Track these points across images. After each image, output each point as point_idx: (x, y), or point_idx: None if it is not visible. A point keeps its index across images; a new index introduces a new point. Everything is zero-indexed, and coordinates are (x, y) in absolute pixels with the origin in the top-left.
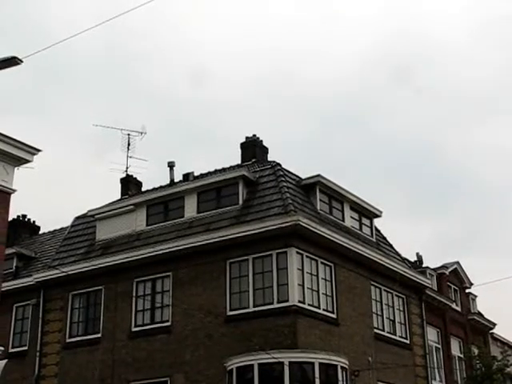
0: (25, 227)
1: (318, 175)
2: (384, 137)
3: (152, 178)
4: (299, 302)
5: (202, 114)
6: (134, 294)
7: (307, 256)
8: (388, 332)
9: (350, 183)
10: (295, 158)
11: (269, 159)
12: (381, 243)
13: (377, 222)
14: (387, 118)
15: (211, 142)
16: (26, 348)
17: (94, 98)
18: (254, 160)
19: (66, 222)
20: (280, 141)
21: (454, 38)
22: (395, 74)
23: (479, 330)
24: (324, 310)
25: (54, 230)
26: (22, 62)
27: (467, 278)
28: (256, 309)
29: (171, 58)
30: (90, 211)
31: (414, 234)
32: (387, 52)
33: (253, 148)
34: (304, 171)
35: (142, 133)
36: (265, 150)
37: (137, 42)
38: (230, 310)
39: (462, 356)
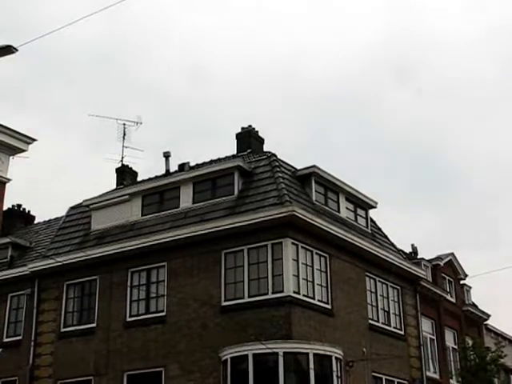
0: (20, 217)
1: (314, 166)
2: (384, 133)
3: (148, 168)
4: (294, 292)
5: (202, 108)
6: (129, 284)
7: (302, 247)
8: (383, 323)
9: (349, 176)
10: (297, 152)
11: (264, 150)
12: (376, 234)
13: (372, 213)
14: (388, 115)
15: (209, 134)
16: (20, 338)
17: (92, 90)
18: (249, 151)
19: (61, 211)
20: (280, 136)
21: (455, 39)
22: (396, 73)
23: (473, 321)
24: (319, 300)
25: (49, 220)
26: (16, 50)
27: (462, 269)
28: (251, 299)
29: (171, 52)
30: (85, 201)
31: (409, 226)
32: (388, 51)
33: (248, 139)
34: (304, 164)
35: (137, 123)
36: (260, 141)
37: (137, 36)
38: (225, 300)
39: (456, 347)
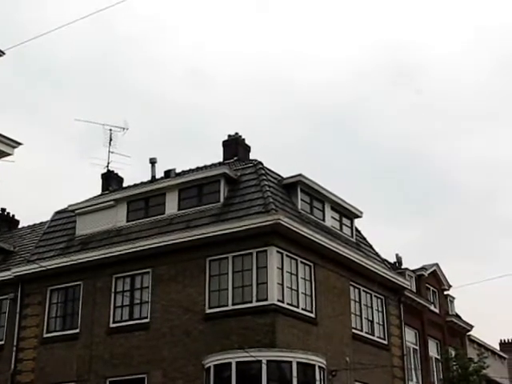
0: (4, 221)
1: (300, 175)
2: (372, 142)
3: (134, 174)
4: (278, 300)
5: (190, 115)
6: (113, 290)
7: (287, 255)
8: (366, 332)
9: (336, 185)
10: (288, 160)
11: (251, 158)
12: (361, 244)
13: (357, 222)
14: (377, 124)
15: (196, 141)
16: (2, 343)
17: (79, 95)
18: (235, 158)
19: (46, 216)
20: (271, 143)
21: (449, 49)
22: (390, 82)
23: (457, 331)
24: (303, 309)
25: (34, 225)
26: (4, 53)
27: (446, 280)
28: (235, 307)
29: (165, 58)
30: (70, 206)
31: (394, 236)
32: (383, 60)
33: (235, 146)
34: (293, 172)
35: (124, 128)
36: (247, 149)
37: (128, 41)
38: (209, 307)
39: (439, 357)
